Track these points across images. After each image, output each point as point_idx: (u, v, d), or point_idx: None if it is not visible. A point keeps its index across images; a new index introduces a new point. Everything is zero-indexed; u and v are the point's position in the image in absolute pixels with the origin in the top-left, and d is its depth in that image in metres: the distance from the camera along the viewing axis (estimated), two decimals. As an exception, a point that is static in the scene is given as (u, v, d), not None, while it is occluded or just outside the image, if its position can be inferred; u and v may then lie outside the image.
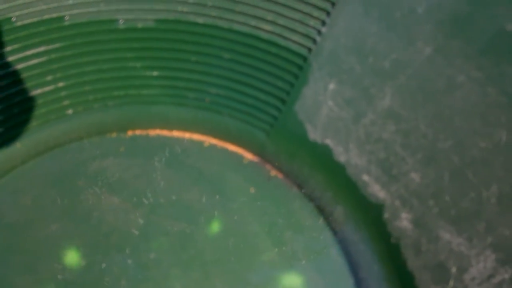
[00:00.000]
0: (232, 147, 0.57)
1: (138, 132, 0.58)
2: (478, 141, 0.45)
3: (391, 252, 0.48)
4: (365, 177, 0.51)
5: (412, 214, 0.47)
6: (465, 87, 0.46)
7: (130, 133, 0.58)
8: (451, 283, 0.44)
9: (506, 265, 0.42)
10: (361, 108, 0.51)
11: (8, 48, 0.54)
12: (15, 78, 0.55)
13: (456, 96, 0.47)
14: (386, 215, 0.49)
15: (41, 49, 0.55)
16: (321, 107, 0.53)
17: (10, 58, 0.54)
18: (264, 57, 0.55)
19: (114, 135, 0.58)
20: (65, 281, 0.48)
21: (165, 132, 0.58)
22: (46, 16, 0.54)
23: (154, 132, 0.58)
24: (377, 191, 0.50)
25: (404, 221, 0.48)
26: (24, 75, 0.55)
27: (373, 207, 0.50)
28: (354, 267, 0.49)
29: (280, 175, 0.55)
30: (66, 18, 0.55)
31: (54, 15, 0.54)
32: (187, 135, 0.58)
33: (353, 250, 0.50)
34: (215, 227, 0.51)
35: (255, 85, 0.56)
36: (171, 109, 0.58)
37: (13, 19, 0.52)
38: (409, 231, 0.47)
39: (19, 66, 0.55)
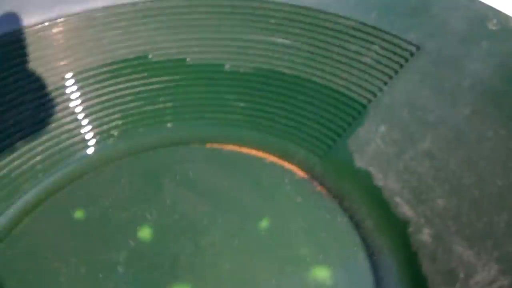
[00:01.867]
0: (288, 165, 0.68)
1: (215, 145, 0.71)
2: (496, 180, 0.53)
3: (409, 258, 0.54)
4: (398, 199, 0.59)
5: (433, 230, 0.55)
6: (492, 141, 0.56)
7: (208, 145, 0.71)
8: (458, 285, 0.50)
9: (507, 274, 0.48)
10: (404, 147, 0.61)
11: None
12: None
13: (484, 146, 0.56)
14: (410, 229, 0.56)
15: (164, 78, 0.74)
16: (370, 143, 0.63)
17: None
18: (332, 102, 0.68)
19: (196, 145, 0.72)
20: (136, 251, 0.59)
21: (235, 148, 0.70)
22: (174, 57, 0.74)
23: (227, 147, 0.70)
24: (406, 210, 0.58)
25: (425, 236, 0.55)
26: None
27: (400, 222, 0.57)
28: (375, 267, 0.56)
29: (324, 191, 0.64)
30: (188, 59, 0.74)
31: (181, 56, 0.74)
32: (253, 152, 0.70)
33: (377, 253, 0.57)
34: (264, 223, 0.60)
35: (319, 121, 0.68)
36: (246, 131, 0.72)
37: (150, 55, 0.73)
38: (428, 243, 0.54)
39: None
